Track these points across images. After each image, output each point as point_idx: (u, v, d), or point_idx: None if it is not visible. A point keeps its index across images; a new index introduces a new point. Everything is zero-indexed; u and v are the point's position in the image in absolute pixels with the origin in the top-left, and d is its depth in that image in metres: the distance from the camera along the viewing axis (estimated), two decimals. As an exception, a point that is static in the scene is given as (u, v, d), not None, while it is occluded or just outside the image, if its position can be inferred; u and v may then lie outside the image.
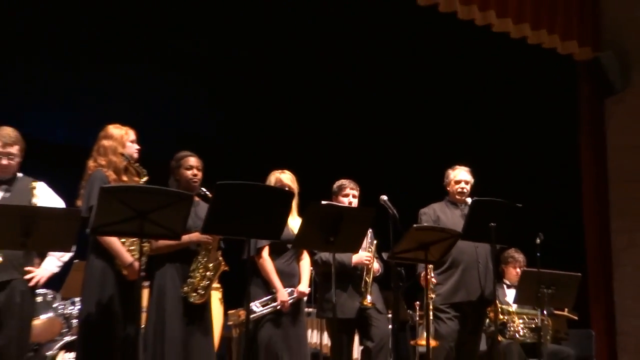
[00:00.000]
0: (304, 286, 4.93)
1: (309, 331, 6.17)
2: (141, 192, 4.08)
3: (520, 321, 5.88)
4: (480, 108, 8.41)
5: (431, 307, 5.22)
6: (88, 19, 7.78)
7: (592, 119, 8.09)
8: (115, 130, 4.58)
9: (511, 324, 5.89)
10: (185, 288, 4.47)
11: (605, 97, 7.99)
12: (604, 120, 8.04)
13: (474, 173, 5.56)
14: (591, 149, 8.07)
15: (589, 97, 8.10)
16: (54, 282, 5.70)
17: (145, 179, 4.50)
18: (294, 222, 4.78)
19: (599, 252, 7.93)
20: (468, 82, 8.37)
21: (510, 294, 6.15)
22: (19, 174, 4.62)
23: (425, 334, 5.22)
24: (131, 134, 4.61)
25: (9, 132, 4.58)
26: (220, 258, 4.62)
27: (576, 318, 6.46)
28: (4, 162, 4.51)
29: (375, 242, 5.19)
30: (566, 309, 6.10)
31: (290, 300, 4.78)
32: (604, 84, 7.86)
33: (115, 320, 4.27)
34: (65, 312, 5.95)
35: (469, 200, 5.35)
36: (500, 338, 5.74)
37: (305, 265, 5.06)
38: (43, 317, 5.80)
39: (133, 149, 4.57)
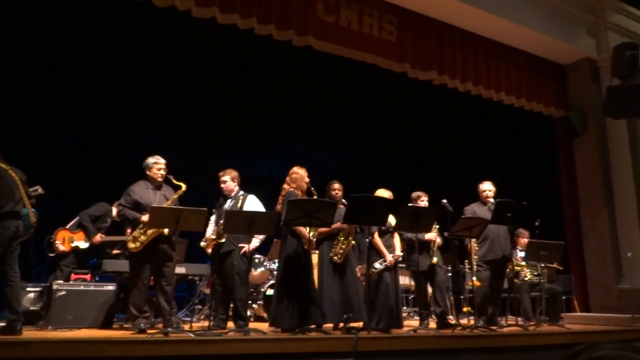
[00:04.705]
0: (398, 252, 4.98)
1: (402, 277, 6.09)
2: (309, 202, 4.23)
3: (528, 270, 5.78)
4: (499, 150, 7.98)
5: (474, 262, 5.29)
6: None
7: (565, 151, 8.02)
8: (299, 170, 4.75)
9: (522, 272, 5.80)
10: (331, 254, 4.60)
11: (572, 138, 7.88)
12: (573, 152, 7.92)
13: (495, 185, 5.54)
14: (566, 170, 7.99)
15: (563, 138, 8.05)
16: (264, 251, 5.89)
17: (315, 196, 4.54)
18: (390, 218, 4.81)
19: (573, 229, 7.80)
20: (496, 135, 8.07)
21: (521, 255, 6.13)
22: (240, 192, 4.75)
23: (471, 278, 5.35)
24: (305, 172, 4.74)
25: (227, 171, 4.76)
26: (351, 238, 4.67)
27: (561, 268, 6.32)
28: (222, 185, 4.71)
29: (437, 226, 5.11)
30: (555, 263, 6.01)
31: (393, 260, 4.85)
32: (571, 131, 7.79)
33: (298, 270, 4.40)
34: (270, 267, 6.11)
35: (492, 200, 5.36)
36: (515, 280, 5.78)
37: (397, 240, 5.05)
38: (258, 270, 6.00)
39: (306, 180, 4.70)
